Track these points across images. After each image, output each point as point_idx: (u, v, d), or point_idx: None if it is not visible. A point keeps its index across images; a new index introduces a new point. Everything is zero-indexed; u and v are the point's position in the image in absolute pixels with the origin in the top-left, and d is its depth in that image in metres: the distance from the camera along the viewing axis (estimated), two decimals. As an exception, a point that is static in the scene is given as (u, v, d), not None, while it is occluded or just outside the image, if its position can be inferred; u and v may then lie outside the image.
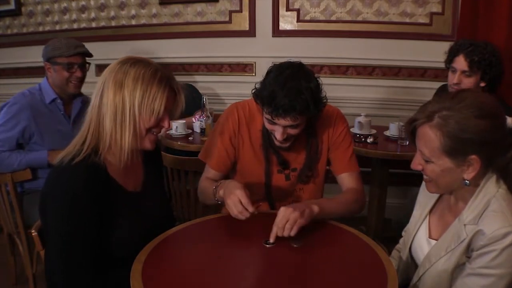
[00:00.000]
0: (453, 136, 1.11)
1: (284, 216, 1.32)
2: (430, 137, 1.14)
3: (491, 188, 1.16)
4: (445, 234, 1.23)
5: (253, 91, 1.56)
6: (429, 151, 1.15)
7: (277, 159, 1.65)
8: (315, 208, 1.39)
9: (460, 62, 2.08)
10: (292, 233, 1.31)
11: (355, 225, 1.57)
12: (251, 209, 1.35)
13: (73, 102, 2.32)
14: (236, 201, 1.36)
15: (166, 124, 1.34)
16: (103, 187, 1.25)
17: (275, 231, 1.31)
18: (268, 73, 1.52)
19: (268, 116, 1.48)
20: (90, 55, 2.29)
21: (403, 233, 1.52)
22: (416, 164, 1.21)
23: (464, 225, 1.17)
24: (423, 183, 1.32)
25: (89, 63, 2.29)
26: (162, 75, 1.29)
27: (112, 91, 1.26)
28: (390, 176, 2.68)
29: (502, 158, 1.15)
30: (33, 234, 1.37)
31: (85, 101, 2.34)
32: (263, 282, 1.20)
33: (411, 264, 1.38)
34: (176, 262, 1.25)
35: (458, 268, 1.18)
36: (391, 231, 2.36)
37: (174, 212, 2.36)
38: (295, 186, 1.69)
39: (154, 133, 1.34)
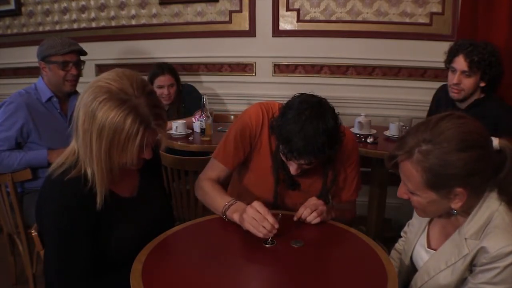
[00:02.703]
0: (435, 172, 1.07)
1: (315, 204, 1.45)
2: (411, 173, 1.11)
3: (492, 203, 1.13)
4: (444, 245, 1.21)
5: (271, 122, 1.54)
6: (412, 185, 1.13)
7: (288, 180, 1.62)
8: (332, 214, 1.51)
9: (460, 62, 2.08)
10: (314, 221, 1.42)
11: (355, 225, 1.57)
12: (271, 219, 1.31)
13: (69, 100, 2.33)
14: (254, 213, 1.33)
15: (148, 155, 1.25)
16: (95, 198, 1.22)
17: (302, 211, 1.44)
18: (288, 107, 1.47)
19: (283, 153, 1.47)
20: (85, 53, 2.29)
21: (402, 233, 1.52)
22: (402, 193, 1.20)
23: (465, 239, 1.14)
24: None
25: (84, 62, 2.29)
26: (136, 116, 1.15)
27: (82, 129, 1.18)
28: (390, 176, 2.67)
29: (494, 180, 1.12)
30: (33, 234, 1.37)
31: None
32: (263, 282, 1.20)
33: (412, 271, 1.36)
34: (176, 262, 1.25)
35: (461, 283, 1.17)
36: (391, 231, 2.36)
37: (174, 212, 2.37)
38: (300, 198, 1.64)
39: (136, 164, 1.26)
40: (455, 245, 1.17)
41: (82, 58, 2.28)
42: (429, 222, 1.32)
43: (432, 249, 1.28)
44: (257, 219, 1.32)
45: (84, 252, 1.24)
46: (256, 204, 1.36)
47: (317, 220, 1.42)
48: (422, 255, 1.31)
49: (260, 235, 1.31)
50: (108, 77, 1.19)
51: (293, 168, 1.50)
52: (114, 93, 1.16)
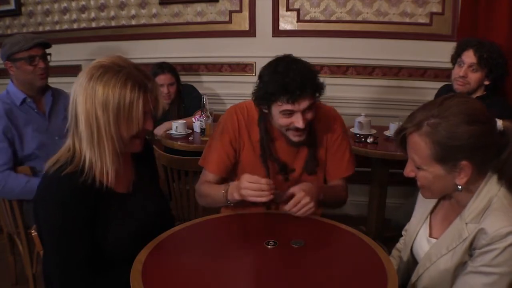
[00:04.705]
0: (442, 144, 1.11)
1: (298, 197, 1.42)
2: (419, 145, 1.14)
3: (492, 187, 1.16)
4: (446, 232, 1.23)
5: (254, 99, 1.57)
6: (420, 158, 1.16)
7: (277, 166, 1.65)
8: (320, 196, 1.51)
9: (470, 56, 2.10)
10: (302, 215, 1.41)
11: (355, 225, 1.57)
12: (264, 181, 1.40)
13: (44, 98, 2.25)
14: (249, 185, 1.41)
15: (149, 126, 1.29)
16: (92, 192, 1.24)
17: (289, 207, 1.42)
18: (262, 74, 1.54)
19: (286, 107, 1.48)
20: (49, 45, 2.22)
21: (403, 232, 1.52)
22: (409, 171, 1.22)
23: (466, 223, 1.17)
24: None
25: (50, 54, 2.22)
26: (134, 81, 1.22)
27: (84, 110, 1.21)
28: (390, 176, 2.68)
29: (496, 160, 1.15)
30: (33, 234, 1.37)
31: (55, 94, 2.28)
32: (263, 282, 1.20)
33: (412, 264, 1.37)
34: (176, 262, 1.25)
35: (460, 267, 1.18)
36: (391, 231, 2.36)
37: (174, 212, 2.37)
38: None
39: (140, 136, 1.31)
40: (457, 230, 1.19)
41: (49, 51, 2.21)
42: (431, 212, 1.34)
43: (434, 238, 1.29)
44: (254, 188, 1.40)
45: (82, 247, 1.24)
46: (246, 177, 1.43)
47: (303, 213, 1.41)
48: (423, 245, 1.32)
49: (265, 199, 1.40)
50: (98, 60, 1.27)
51: (299, 120, 1.50)
52: (108, 66, 1.23)
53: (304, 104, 1.48)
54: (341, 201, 1.73)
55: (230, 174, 1.72)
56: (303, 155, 1.67)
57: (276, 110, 1.52)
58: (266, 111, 1.58)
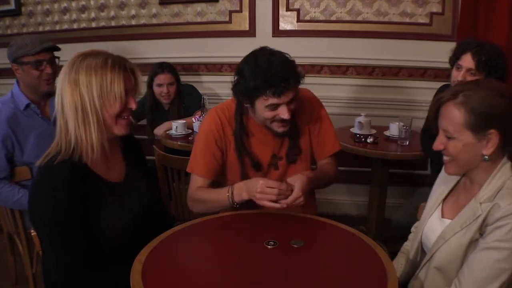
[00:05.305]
0: (475, 111, 1.20)
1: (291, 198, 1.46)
2: (454, 113, 1.22)
3: (506, 171, 1.24)
4: (461, 213, 1.26)
5: (235, 94, 1.58)
6: (453, 127, 1.23)
7: (250, 161, 1.66)
8: (309, 186, 1.55)
9: (468, 60, 2.08)
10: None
11: (355, 225, 1.57)
12: (283, 186, 1.43)
13: (50, 101, 2.16)
14: (266, 190, 1.42)
15: (132, 104, 1.35)
16: (84, 182, 1.28)
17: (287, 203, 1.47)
18: (242, 69, 1.53)
19: (272, 101, 1.49)
20: (58, 49, 2.13)
21: (412, 229, 1.54)
22: (438, 143, 1.27)
23: (480, 203, 1.22)
24: (439, 177, 1.41)
25: (58, 57, 2.12)
26: (113, 61, 1.30)
27: (69, 91, 1.27)
28: (390, 176, 2.68)
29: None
30: (32, 234, 1.37)
31: None
32: (263, 282, 1.20)
33: (421, 252, 1.40)
34: (176, 262, 1.25)
35: (472, 246, 1.22)
36: (391, 231, 2.36)
37: (174, 212, 2.37)
38: (286, 173, 1.70)
39: (125, 118, 1.35)
40: (471, 210, 1.24)
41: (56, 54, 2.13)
42: (443, 200, 1.38)
43: (447, 219, 1.33)
44: (274, 193, 1.42)
45: (78, 241, 1.25)
46: (262, 181, 1.44)
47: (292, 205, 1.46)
48: (435, 227, 1.34)
49: (280, 206, 1.43)
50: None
51: (285, 112, 1.52)
52: (87, 53, 1.32)
53: (289, 96, 1.49)
54: (330, 181, 1.76)
55: (219, 177, 1.72)
56: (287, 144, 1.69)
57: (261, 104, 1.52)
58: (247, 105, 1.58)
